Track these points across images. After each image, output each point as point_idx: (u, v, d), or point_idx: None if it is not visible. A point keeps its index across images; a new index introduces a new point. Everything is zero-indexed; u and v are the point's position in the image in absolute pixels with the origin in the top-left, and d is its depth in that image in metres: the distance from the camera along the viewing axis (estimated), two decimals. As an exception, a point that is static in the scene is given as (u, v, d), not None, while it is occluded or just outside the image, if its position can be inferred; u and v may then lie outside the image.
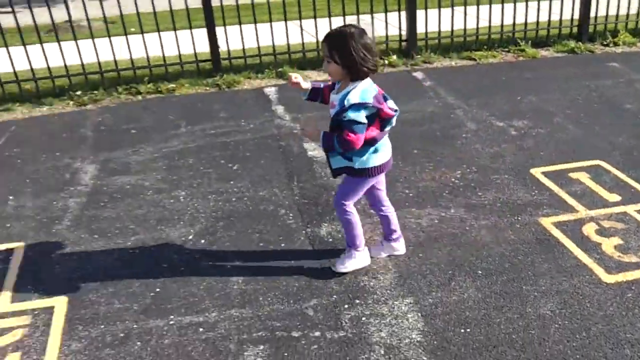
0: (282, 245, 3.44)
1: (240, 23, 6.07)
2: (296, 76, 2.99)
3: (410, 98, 5.44)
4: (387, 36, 6.57)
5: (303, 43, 6.40)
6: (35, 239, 3.65)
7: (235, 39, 6.18)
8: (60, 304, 3.10)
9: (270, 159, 4.43)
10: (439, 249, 3.31)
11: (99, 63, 5.99)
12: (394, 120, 2.89)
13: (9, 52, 5.70)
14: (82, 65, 5.94)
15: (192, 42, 6.04)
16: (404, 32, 6.62)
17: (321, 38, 2.87)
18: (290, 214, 3.72)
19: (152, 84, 6.02)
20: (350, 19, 5.67)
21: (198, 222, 3.71)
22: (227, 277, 3.20)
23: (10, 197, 4.15)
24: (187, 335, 2.83)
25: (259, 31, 6.12)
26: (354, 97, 2.70)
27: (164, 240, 3.56)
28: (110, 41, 5.93)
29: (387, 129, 2.89)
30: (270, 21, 6.17)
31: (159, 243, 3.53)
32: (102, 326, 2.93)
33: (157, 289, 3.15)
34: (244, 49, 6.18)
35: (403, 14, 6.50)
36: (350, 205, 3.04)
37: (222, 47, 6.18)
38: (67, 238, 3.64)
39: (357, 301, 2.96)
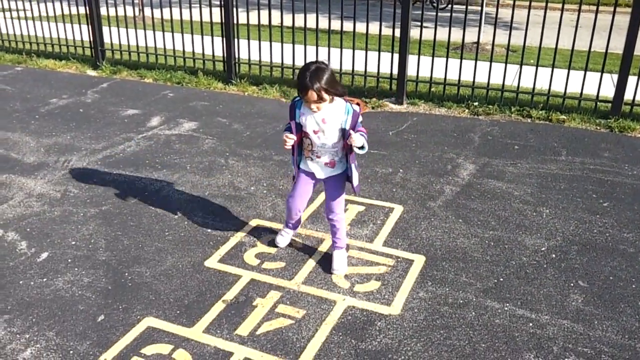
0: (633, 286, 3.40)
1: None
2: (293, 140, 3.31)
3: None
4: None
5: None
6: (411, 207, 4.34)
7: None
8: (418, 260, 3.69)
9: (645, 208, 4.30)
10: None
11: (488, 82, 6.53)
12: None
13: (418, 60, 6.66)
14: (488, 82, 6.54)
15: (582, 83, 6.09)
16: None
17: None
18: (651, 264, 3.62)
19: (544, 111, 6.29)
20: None
21: (553, 239, 3.89)
22: (568, 292, 3.35)
23: (401, 170, 4.96)
24: (517, 324, 3.10)
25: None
26: (354, 107, 3.29)
27: (518, 243, 3.86)
28: (505, 66, 6.42)
29: None
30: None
31: (513, 243, 3.85)
32: (447, 289, 3.40)
33: (501, 278, 3.48)
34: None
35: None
36: None
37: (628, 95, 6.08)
38: (437, 214, 4.23)
39: (701, 365, 2.80)
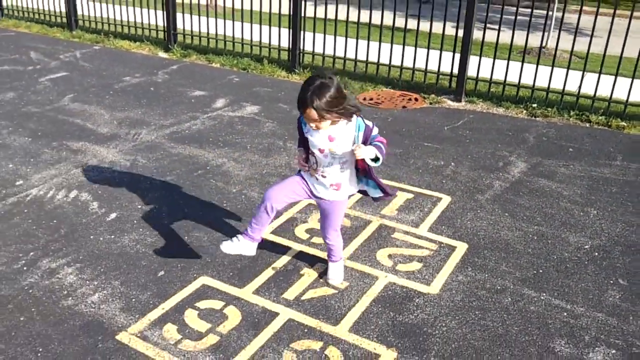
0: (674, 288, 3.44)
1: None
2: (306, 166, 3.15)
3: None
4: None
5: None
6: (459, 197, 4.47)
7: None
8: (461, 247, 3.82)
9: (697, 216, 4.28)
10: None
11: (549, 85, 6.54)
12: None
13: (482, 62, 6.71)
14: (549, 84, 6.54)
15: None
16: None
17: None
18: (696, 269, 3.64)
19: (604, 116, 6.25)
20: None
21: (598, 238, 3.95)
22: (607, 288, 3.42)
23: (452, 164, 5.08)
24: (551, 312, 3.21)
25: None
26: (366, 122, 3.00)
27: (561, 239, 3.93)
28: (567, 71, 6.39)
29: None
30: None
31: (556, 239, 3.92)
32: (486, 275, 3.53)
33: (540, 270, 3.58)
34: None
35: None
36: None
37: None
38: (484, 207, 4.34)
39: None
